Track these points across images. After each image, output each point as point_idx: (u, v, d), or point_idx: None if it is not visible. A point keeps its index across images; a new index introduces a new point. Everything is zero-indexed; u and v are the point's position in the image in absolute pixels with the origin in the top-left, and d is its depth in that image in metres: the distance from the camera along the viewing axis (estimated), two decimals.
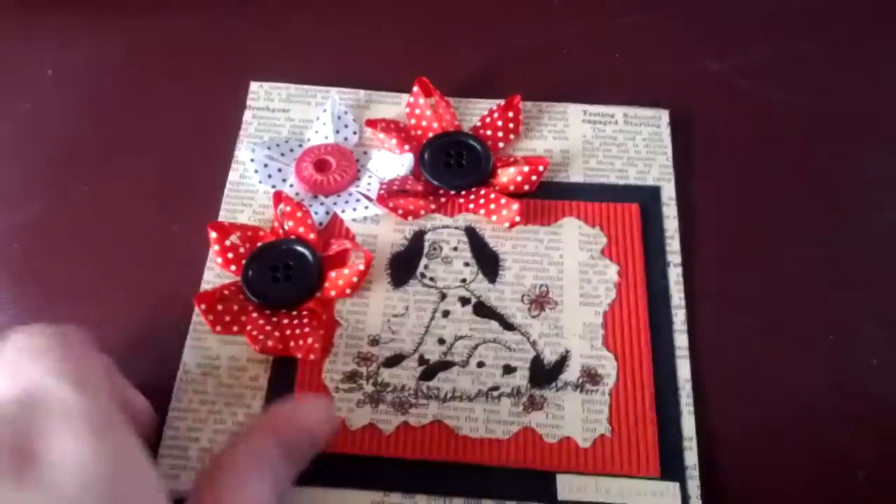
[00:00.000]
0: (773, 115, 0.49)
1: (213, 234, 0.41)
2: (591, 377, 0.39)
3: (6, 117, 0.46)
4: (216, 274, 0.42)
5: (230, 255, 0.41)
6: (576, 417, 0.38)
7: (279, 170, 0.45)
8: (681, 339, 0.40)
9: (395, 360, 0.39)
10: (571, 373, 0.39)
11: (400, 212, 0.43)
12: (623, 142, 0.47)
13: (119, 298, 0.41)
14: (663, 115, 0.47)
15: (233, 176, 0.45)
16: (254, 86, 0.48)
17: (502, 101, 0.47)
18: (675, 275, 0.42)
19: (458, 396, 0.39)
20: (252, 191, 0.44)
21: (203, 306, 0.40)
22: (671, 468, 0.37)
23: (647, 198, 0.45)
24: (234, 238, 0.42)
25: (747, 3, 0.54)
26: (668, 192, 0.45)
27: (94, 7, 0.49)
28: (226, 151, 0.46)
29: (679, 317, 0.41)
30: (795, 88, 0.50)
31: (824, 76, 0.51)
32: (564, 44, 0.51)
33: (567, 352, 0.40)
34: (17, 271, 0.43)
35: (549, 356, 0.40)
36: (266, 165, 0.45)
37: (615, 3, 0.54)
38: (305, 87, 0.48)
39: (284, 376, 0.39)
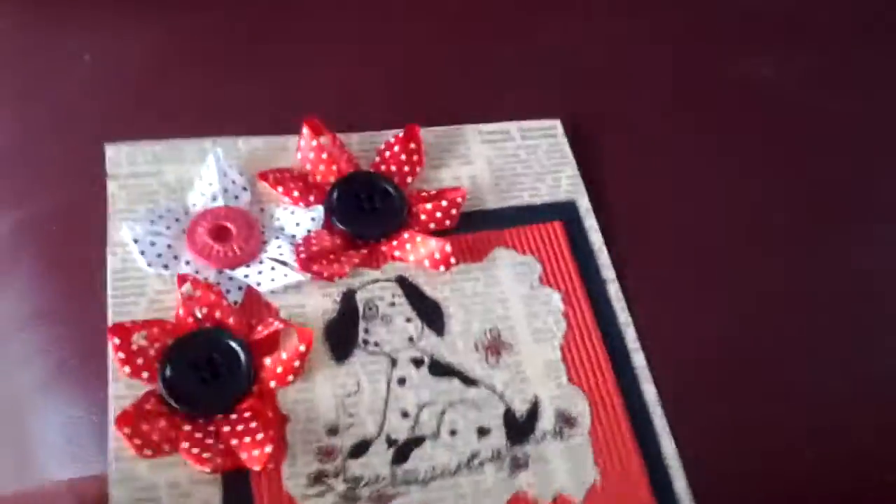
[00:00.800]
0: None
1: (116, 341, 0.35)
2: (566, 421, 0.37)
3: (43, 100, 0.44)
4: (126, 385, 0.35)
5: (140, 361, 0.35)
6: (563, 468, 0.36)
7: (168, 246, 0.38)
8: (638, 359, 0.39)
9: (361, 448, 0.35)
10: (546, 420, 0.37)
11: (325, 274, 0.38)
12: (526, 157, 0.45)
13: None
14: (557, 125, 0.46)
15: (113, 262, 0.38)
16: (110, 150, 0.40)
17: (398, 132, 0.43)
18: (613, 291, 0.41)
19: (439, 474, 0.35)
20: (141, 276, 0.37)
21: (127, 430, 0.33)
22: (664, 497, 0.36)
23: (566, 213, 0.43)
24: (139, 339, 0.35)
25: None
26: (584, 204, 0.43)
27: None
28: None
29: (630, 335, 0.40)
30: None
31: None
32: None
33: (536, 398, 0.37)
34: (53, 255, 0.41)
35: (520, 406, 0.37)
36: (153, 244, 0.38)
37: None
38: (173, 141, 0.41)
39: (239, 492, 0.33)
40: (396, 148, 0.42)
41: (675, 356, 0.40)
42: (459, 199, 0.41)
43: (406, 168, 0.42)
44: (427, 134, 0.44)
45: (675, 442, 0.37)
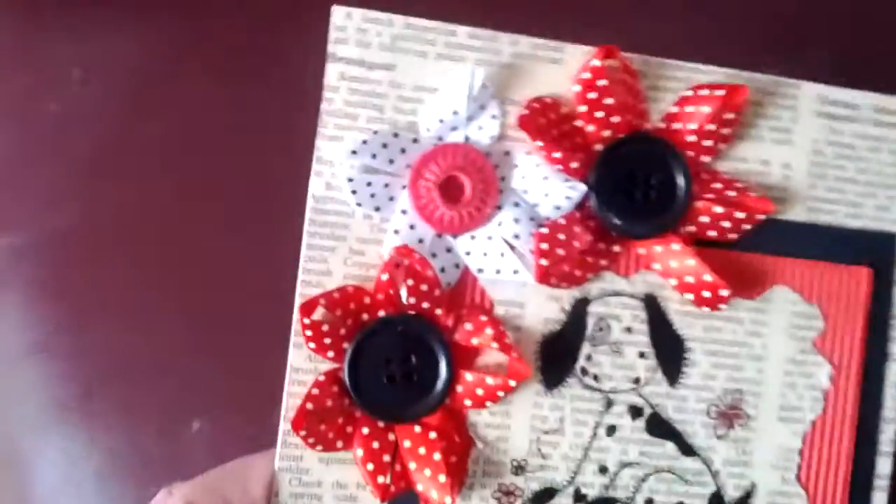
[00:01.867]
0: None
1: (306, 321, 0.29)
2: None
3: (33, 119, 0.41)
4: (307, 356, 0.30)
5: (327, 340, 0.30)
6: None
7: (385, 185, 0.31)
8: (883, 465, 0.33)
9: (545, 496, 0.31)
10: None
11: (564, 284, 0.31)
12: (865, 154, 0.33)
13: (158, 315, 0.38)
14: None
15: (316, 186, 0.30)
16: (338, 14, 0.30)
17: (713, 73, 0.32)
18: (894, 373, 0.34)
19: None
20: (346, 213, 0.30)
21: (303, 432, 0.29)
22: None
23: (880, 252, 0.33)
24: (321, 316, 0.29)
25: None
26: None
27: (124, 5, 0.42)
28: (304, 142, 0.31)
29: (887, 434, 0.33)
30: None
31: None
32: None
33: (753, 486, 0.32)
34: (49, 284, 0.39)
35: (732, 492, 0.32)
36: (369, 184, 0.30)
37: None
38: (420, 22, 0.31)
39: None
40: (705, 108, 0.31)
41: None
42: (761, 217, 0.32)
43: (708, 142, 0.31)
44: (744, 78, 0.32)
45: None
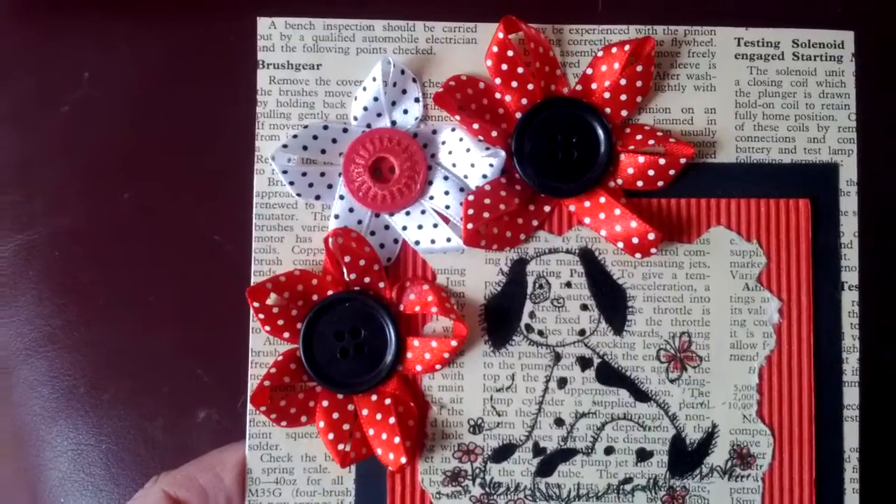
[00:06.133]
0: None
1: (255, 304, 0.34)
2: (741, 458, 0.34)
3: (43, 120, 0.43)
4: (265, 339, 0.34)
5: (280, 322, 0.34)
6: None
7: (322, 174, 0.35)
8: (850, 395, 0.35)
9: (504, 452, 0.34)
10: (719, 454, 0.34)
11: (495, 246, 0.34)
12: (791, 89, 0.36)
13: (164, 310, 0.40)
14: (847, 41, 0.36)
15: (259, 183, 0.35)
16: (263, 25, 0.35)
17: (624, 32, 0.35)
18: (848, 302, 0.35)
19: (584, 495, 0.34)
20: (289, 204, 0.35)
21: (263, 408, 0.33)
22: None
23: (819, 183, 0.35)
24: (273, 300, 0.34)
25: None
26: (848, 173, 0.35)
27: (130, 9, 0.44)
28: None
29: (850, 363, 0.35)
30: None
31: None
32: None
33: (714, 427, 0.34)
34: (59, 281, 0.41)
35: (693, 434, 0.34)
36: (304, 174, 0.34)
37: None
38: (338, 21, 0.35)
39: (373, 476, 0.34)
40: (616, 65, 0.34)
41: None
42: (683, 161, 0.34)
43: (623, 96, 0.34)
44: (660, 33, 0.35)
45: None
